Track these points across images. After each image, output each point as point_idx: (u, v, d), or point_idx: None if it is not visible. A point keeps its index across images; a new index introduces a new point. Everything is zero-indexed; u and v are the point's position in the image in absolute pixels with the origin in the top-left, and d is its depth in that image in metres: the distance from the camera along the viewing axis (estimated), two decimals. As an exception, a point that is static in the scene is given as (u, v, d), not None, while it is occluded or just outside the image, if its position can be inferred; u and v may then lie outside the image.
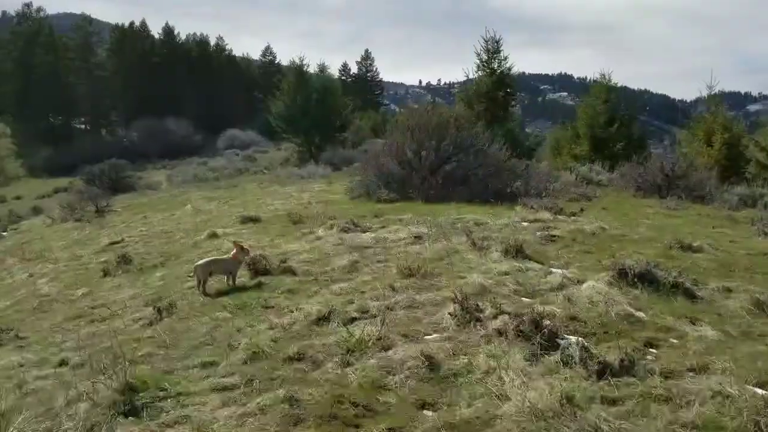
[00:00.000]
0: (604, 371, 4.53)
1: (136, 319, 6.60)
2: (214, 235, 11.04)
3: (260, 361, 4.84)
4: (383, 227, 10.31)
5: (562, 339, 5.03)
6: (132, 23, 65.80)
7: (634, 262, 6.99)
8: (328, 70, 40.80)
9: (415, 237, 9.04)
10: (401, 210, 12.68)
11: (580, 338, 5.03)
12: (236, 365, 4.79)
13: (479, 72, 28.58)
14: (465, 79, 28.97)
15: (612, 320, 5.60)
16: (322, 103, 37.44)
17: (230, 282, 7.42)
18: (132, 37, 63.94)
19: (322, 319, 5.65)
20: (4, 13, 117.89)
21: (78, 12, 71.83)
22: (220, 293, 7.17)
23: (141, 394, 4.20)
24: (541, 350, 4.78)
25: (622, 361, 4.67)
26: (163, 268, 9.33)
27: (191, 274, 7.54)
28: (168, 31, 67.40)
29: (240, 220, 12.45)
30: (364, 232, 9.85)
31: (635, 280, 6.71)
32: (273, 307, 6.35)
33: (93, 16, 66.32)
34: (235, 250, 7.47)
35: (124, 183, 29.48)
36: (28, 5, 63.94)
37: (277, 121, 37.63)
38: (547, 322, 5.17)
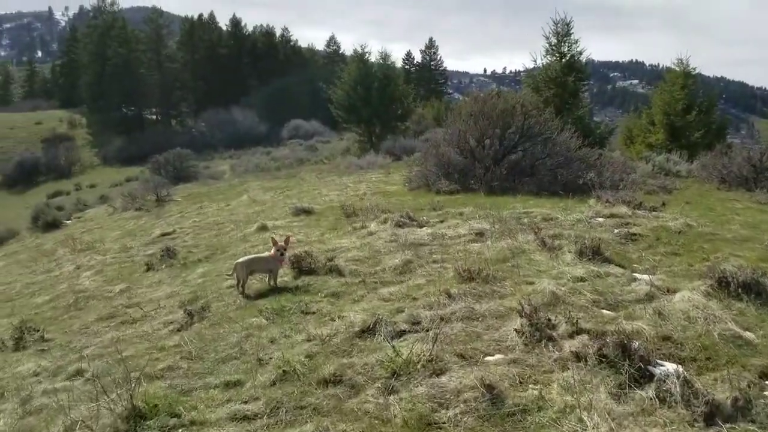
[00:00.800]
0: (713, 414, 3.59)
1: (167, 323, 6.09)
2: (263, 228, 10.56)
3: (291, 382, 4.15)
4: (441, 222, 9.49)
5: (656, 367, 4.10)
6: (201, 15, 67.26)
7: (735, 268, 5.90)
8: (391, 59, 39.83)
9: (477, 234, 8.13)
10: (462, 203, 11.82)
11: (679, 367, 4.08)
12: (263, 387, 4.13)
13: (548, 56, 27.11)
14: (533, 65, 27.54)
15: (715, 342, 4.60)
16: (384, 91, 36.72)
17: (271, 282, 6.81)
18: (200, 29, 65.30)
19: (367, 331, 4.90)
20: (81, 8, 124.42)
21: (149, 5, 73.86)
22: (260, 295, 6.57)
23: (148, 422, 3.61)
24: (630, 381, 3.88)
25: (735, 400, 3.71)
26: (207, 263, 8.88)
27: (230, 273, 7.00)
28: (235, 22, 68.40)
29: (293, 212, 11.95)
30: (421, 227, 9.04)
31: (739, 290, 5.65)
32: (314, 313, 5.67)
33: (163, 8, 68.03)
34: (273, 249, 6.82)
35: (187, 172, 29.90)
36: (102, -1, 66.29)
37: (337, 110, 37.23)
38: (636, 344, 4.24)
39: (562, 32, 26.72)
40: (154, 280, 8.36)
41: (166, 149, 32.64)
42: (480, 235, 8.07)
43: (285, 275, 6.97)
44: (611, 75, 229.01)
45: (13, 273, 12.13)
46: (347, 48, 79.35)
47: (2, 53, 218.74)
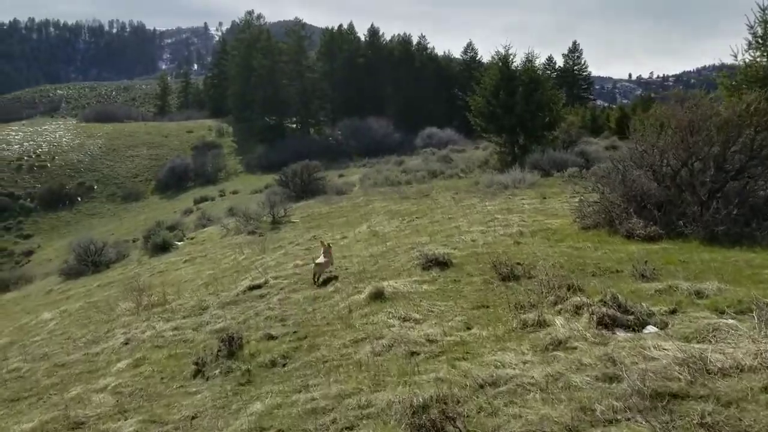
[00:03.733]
0: None
1: None
2: (378, 296, 7.16)
3: None
4: (673, 312, 5.51)
5: None
6: (340, 26, 67.07)
7: None
8: (538, 61, 35.01)
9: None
10: (679, 260, 7.66)
11: None
12: None
13: (751, 51, 21.25)
14: (732, 60, 21.82)
15: None
16: (530, 97, 32.22)
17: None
18: (340, 39, 65.10)
19: None
20: (233, 23, 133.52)
21: (291, 18, 75.36)
22: None
23: None
24: None
25: None
26: (279, 377, 5.51)
27: None
28: (373, 32, 67.46)
29: (421, 263, 8.52)
30: (642, 325, 5.14)
31: None
32: None
33: (305, 21, 68.70)
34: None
35: (314, 185, 27.95)
36: (250, 13, 68.48)
37: (476, 117, 33.39)
38: None
39: (773, 19, 20.84)
40: (187, 414, 5.08)
41: (304, 157, 31.80)
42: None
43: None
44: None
45: (65, 333, 9.59)
46: (484, 55, 74.57)
47: (163, 66, 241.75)
